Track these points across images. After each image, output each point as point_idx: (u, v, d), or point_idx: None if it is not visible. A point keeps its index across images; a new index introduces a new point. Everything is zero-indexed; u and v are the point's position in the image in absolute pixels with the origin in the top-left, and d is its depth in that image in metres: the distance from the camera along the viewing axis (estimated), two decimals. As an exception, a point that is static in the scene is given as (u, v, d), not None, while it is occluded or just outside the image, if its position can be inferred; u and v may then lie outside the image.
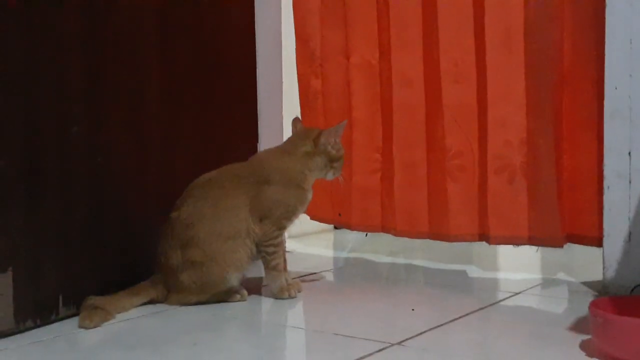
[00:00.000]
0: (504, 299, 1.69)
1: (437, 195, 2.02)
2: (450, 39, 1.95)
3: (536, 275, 1.95)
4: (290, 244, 2.48)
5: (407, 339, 1.33)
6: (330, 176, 1.77)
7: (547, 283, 1.86)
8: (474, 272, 2.03)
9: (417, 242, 2.13)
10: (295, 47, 2.39)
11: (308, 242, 2.59)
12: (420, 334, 1.38)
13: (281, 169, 1.72)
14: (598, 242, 1.74)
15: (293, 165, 1.73)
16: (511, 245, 1.92)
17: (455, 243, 2.00)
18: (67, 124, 1.54)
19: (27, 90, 1.45)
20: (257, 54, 2.21)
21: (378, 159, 2.19)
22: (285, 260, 1.75)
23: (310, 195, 1.76)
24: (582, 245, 1.83)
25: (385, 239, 2.23)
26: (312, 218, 2.43)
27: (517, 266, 2.11)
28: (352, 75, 2.21)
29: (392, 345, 1.30)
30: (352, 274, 2.12)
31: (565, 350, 1.26)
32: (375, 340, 1.32)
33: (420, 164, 2.07)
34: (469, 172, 1.96)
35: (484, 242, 1.95)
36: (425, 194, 2.06)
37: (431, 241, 2.06)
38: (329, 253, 2.50)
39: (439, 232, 2.03)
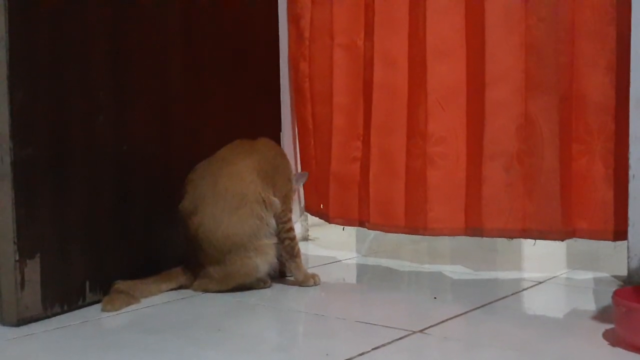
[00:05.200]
0: (527, 288, 1.69)
1: (415, 185, 1.91)
2: (439, 17, 1.85)
3: (561, 266, 1.94)
4: (313, 232, 2.49)
5: (428, 327, 1.34)
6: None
7: (572, 273, 1.85)
8: (497, 263, 2.03)
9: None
10: (287, 27, 2.27)
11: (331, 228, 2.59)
12: (442, 322, 1.38)
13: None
14: (611, 236, 1.70)
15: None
16: (506, 239, 1.84)
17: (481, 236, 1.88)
18: (93, 112, 1.56)
19: (53, 80, 1.47)
20: (279, 39, 2.21)
21: (359, 147, 2.07)
22: None
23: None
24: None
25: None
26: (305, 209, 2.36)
27: (541, 257, 2.10)
28: (335, 57, 2.09)
29: (414, 332, 1.30)
30: (373, 263, 2.13)
31: (588, 339, 1.26)
32: (397, 328, 1.33)
33: (399, 151, 1.95)
34: (451, 160, 1.86)
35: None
36: (402, 184, 1.95)
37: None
38: (352, 238, 2.50)
39: (415, 225, 1.92)
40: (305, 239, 2.43)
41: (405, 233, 1.97)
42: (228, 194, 1.63)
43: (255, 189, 1.64)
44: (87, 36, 1.55)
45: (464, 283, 1.78)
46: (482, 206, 1.81)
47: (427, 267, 2.02)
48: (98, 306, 1.51)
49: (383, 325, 1.36)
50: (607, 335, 1.26)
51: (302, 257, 1.75)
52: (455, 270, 1.94)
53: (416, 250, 2.25)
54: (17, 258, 1.39)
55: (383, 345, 1.23)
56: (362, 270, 2.04)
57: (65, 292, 1.48)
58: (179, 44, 1.81)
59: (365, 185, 2.03)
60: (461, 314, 1.44)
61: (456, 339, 1.29)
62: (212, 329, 1.37)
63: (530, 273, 1.90)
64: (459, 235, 1.88)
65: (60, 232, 1.48)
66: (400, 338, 1.27)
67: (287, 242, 1.69)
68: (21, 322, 1.39)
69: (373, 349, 1.21)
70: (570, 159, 1.76)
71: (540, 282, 1.73)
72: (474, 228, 1.85)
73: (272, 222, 1.67)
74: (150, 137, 1.72)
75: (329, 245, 2.37)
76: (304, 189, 2.32)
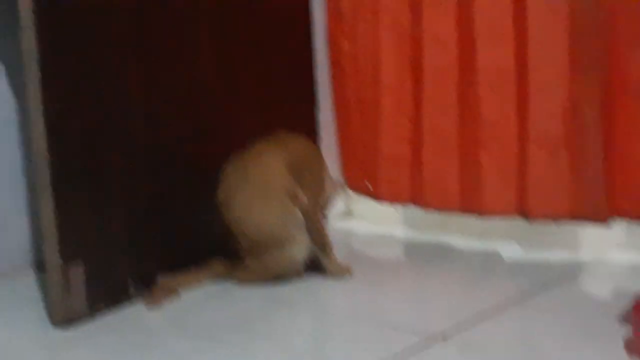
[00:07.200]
0: (578, 271, 1.72)
1: (469, 167, 1.92)
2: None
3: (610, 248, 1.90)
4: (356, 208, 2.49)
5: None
6: None
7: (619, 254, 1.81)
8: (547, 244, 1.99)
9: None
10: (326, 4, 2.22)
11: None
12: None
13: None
14: None
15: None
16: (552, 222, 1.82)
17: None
18: (126, 113, 1.61)
19: (86, 87, 1.53)
20: (313, 26, 2.18)
21: (407, 126, 2.06)
22: None
23: None
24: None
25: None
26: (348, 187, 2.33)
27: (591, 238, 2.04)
28: (381, 36, 2.07)
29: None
30: (419, 240, 2.12)
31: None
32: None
33: (452, 132, 1.95)
34: (504, 143, 1.86)
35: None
36: (456, 166, 1.96)
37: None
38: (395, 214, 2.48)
39: (469, 206, 1.93)
40: (347, 215, 2.43)
41: (460, 214, 1.98)
42: (256, 183, 1.66)
43: (282, 181, 1.67)
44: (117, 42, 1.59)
45: (514, 264, 1.80)
46: (529, 190, 1.82)
47: (476, 245, 1.99)
48: (141, 303, 1.58)
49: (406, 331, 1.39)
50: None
51: (344, 234, 1.76)
52: (505, 249, 1.91)
53: (465, 226, 2.21)
54: (61, 262, 1.47)
55: (405, 349, 1.27)
56: (406, 248, 2.06)
57: (108, 292, 1.56)
58: (210, 35, 1.82)
59: (418, 165, 2.04)
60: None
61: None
62: (244, 331, 1.44)
63: (581, 254, 1.86)
64: (513, 217, 1.88)
65: (101, 234, 1.56)
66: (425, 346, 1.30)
67: (316, 238, 1.70)
68: (67, 323, 1.47)
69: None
70: (614, 140, 1.74)
71: (590, 264, 1.75)
72: (523, 211, 1.85)
73: (300, 215, 1.69)
74: (184, 133, 1.75)
75: (373, 221, 2.36)
76: (344, 166, 2.33)
